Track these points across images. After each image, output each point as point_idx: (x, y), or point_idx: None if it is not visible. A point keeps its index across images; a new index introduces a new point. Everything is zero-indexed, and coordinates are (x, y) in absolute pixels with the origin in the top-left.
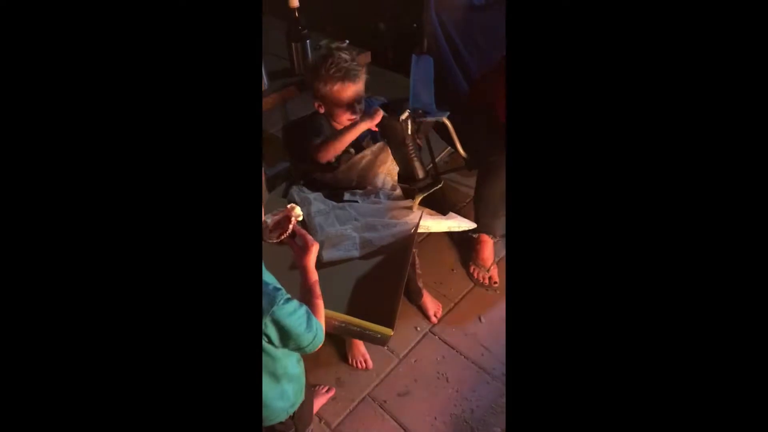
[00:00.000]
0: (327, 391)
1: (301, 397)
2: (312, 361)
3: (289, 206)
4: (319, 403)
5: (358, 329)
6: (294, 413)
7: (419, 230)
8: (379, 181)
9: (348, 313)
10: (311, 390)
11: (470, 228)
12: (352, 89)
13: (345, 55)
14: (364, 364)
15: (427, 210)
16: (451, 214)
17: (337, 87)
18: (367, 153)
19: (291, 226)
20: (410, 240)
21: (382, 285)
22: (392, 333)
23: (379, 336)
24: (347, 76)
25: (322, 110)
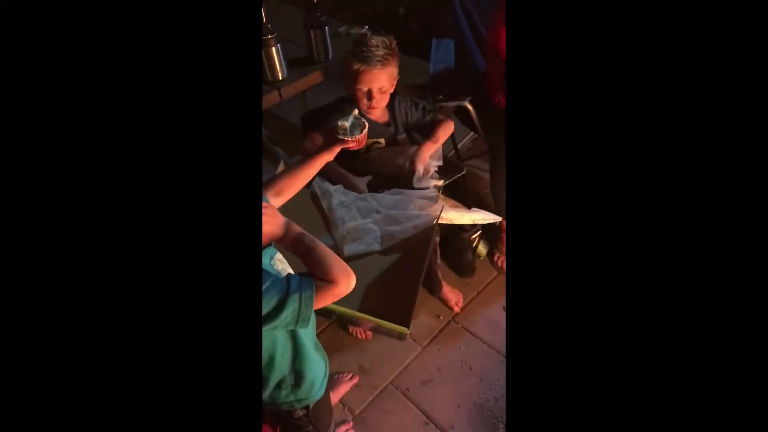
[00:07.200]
0: (350, 379)
1: (322, 389)
2: (336, 349)
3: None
4: (342, 390)
5: (375, 325)
6: (310, 408)
7: (442, 221)
8: (420, 170)
9: (366, 310)
10: (328, 397)
11: (496, 220)
12: (369, 74)
13: (377, 42)
14: (363, 335)
15: (450, 201)
16: (475, 208)
17: (355, 67)
18: (381, 141)
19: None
20: (430, 233)
21: (400, 284)
22: (408, 332)
23: (396, 333)
24: (366, 60)
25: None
